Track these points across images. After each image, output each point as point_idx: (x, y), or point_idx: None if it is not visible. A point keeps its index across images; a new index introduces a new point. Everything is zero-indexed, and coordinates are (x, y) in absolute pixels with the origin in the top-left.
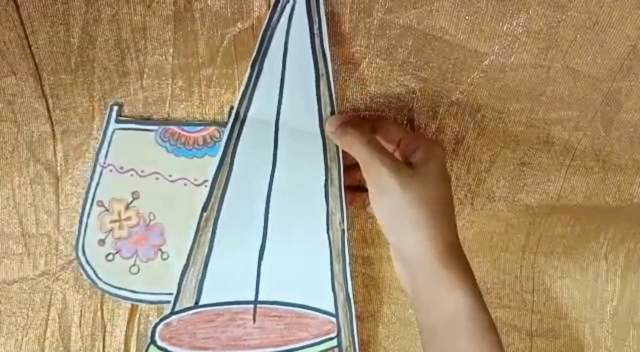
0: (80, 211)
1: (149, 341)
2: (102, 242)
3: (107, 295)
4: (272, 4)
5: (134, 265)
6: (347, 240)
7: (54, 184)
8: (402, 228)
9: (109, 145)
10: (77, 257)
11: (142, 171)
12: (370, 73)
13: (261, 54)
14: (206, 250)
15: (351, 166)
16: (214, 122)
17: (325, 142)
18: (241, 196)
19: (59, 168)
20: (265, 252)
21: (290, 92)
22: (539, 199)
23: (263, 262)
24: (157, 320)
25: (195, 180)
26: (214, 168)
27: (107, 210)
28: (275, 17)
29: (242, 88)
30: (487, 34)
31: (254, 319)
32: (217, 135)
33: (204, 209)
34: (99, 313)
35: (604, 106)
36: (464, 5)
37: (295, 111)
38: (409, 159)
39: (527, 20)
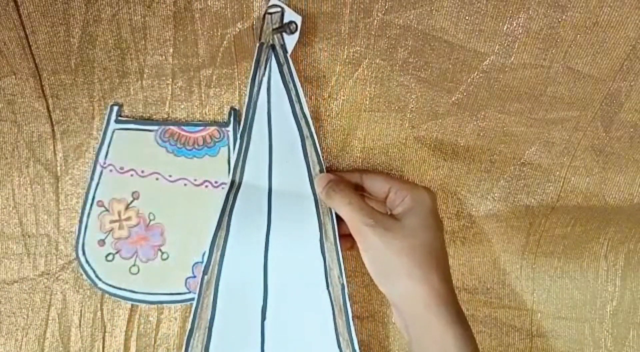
0: (80, 211)
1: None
2: (102, 242)
3: (107, 295)
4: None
5: (134, 265)
6: (348, 295)
7: (54, 184)
8: (389, 280)
9: (109, 145)
10: (77, 257)
11: (142, 171)
12: (370, 73)
13: (248, 124)
14: (209, 313)
15: None
16: (214, 122)
17: (317, 199)
18: (239, 259)
19: (59, 168)
20: (267, 312)
21: (279, 157)
22: (539, 199)
23: (266, 322)
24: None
25: (195, 180)
26: (211, 233)
27: (107, 210)
28: (254, 91)
29: (234, 158)
30: (487, 34)
31: None
32: (217, 135)
33: (205, 272)
34: (98, 313)
35: (604, 106)
36: (464, 5)
37: (285, 174)
38: (395, 210)
39: (527, 20)
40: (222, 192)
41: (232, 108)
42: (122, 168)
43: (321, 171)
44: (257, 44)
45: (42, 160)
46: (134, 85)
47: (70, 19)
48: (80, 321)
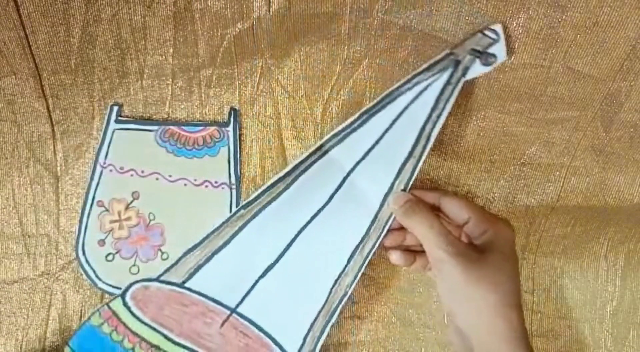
0: (80, 211)
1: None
2: (102, 242)
3: (107, 295)
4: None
5: (134, 265)
6: (344, 303)
7: (54, 184)
8: (467, 311)
9: (109, 146)
10: (77, 257)
11: (142, 171)
12: (370, 73)
13: (380, 106)
14: (221, 242)
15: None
16: (214, 122)
17: (378, 213)
18: (281, 215)
19: (59, 168)
20: (270, 273)
21: (377, 154)
22: (539, 199)
23: (262, 280)
24: (141, 278)
25: (195, 180)
26: (276, 178)
27: (107, 210)
28: (407, 84)
29: (344, 126)
30: None
31: (222, 324)
32: (217, 135)
33: (245, 207)
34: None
35: (604, 106)
36: (464, 5)
37: (369, 174)
38: (475, 241)
39: (527, 20)
40: (222, 192)
41: (232, 108)
42: (122, 168)
43: (403, 190)
44: (447, 51)
45: (42, 160)
46: (134, 85)
47: (70, 19)
48: (80, 321)
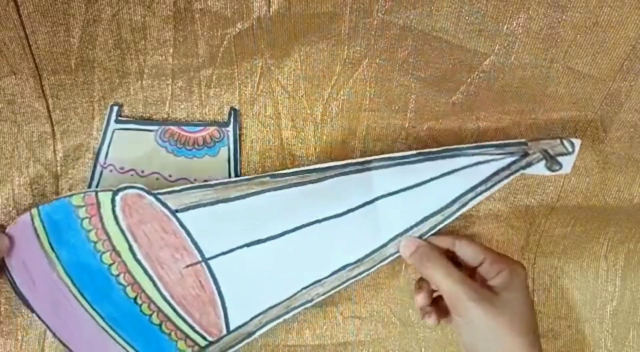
0: None
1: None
2: None
3: None
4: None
5: None
6: (303, 308)
7: (54, 184)
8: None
9: (109, 146)
10: None
11: (142, 171)
12: (370, 73)
13: (438, 155)
14: (233, 195)
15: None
16: (214, 122)
17: (381, 248)
18: (299, 202)
19: (59, 168)
20: (257, 246)
21: (411, 196)
22: (539, 199)
23: (245, 249)
24: (142, 185)
25: (195, 180)
26: (313, 166)
27: None
28: (473, 149)
29: (398, 155)
30: (487, 34)
31: (187, 266)
32: (217, 135)
33: (272, 176)
34: None
35: (604, 106)
36: (464, 5)
37: (396, 209)
38: (490, 281)
39: (527, 20)
40: None
41: (232, 108)
42: (122, 168)
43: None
44: (525, 140)
45: (42, 160)
46: (134, 85)
47: (70, 19)
48: None
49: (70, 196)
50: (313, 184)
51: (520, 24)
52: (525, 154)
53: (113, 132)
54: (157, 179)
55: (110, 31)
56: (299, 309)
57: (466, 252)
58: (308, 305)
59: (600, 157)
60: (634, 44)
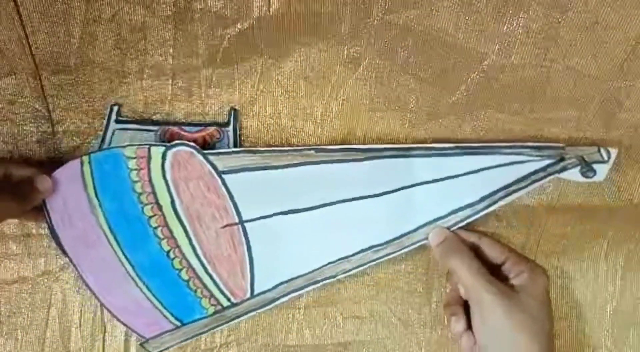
0: None
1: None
2: None
3: None
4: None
5: None
6: (326, 282)
7: None
8: (499, 348)
9: (109, 146)
10: None
11: None
12: (370, 73)
13: (477, 150)
14: (278, 163)
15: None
16: (214, 122)
17: (407, 233)
18: (338, 178)
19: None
20: (292, 215)
21: (445, 187)
22: (539, 199)
23: (281, 216)
24: (194, 144)
25: None
26: (358, 146)
27: None
28: (512, 148)
29: (439, 146)
30: (487, 34)
31: (224, 227)
32: (217, 135)
33: (317, 150)
34: (98, 313)
35: (604, 106)
36: (464, 5)
37: (429, 198)
38: (511, 281)
39: (527, 20)
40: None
41: (232, 108)
42: None
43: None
44: (563, 144)
45: (42, 160)
46: (134, 85)
47: (70, 19)
48: (80, 321)
49: (124, 147)
50: (355, 162)
51: (520, 24)
52: (562, 159)
53: (113, 132)
54: None
55: (110, 31)
56: (321, 283)
57: (492, 248)
58: (330, 281)
59: None
60: (634, 44)
